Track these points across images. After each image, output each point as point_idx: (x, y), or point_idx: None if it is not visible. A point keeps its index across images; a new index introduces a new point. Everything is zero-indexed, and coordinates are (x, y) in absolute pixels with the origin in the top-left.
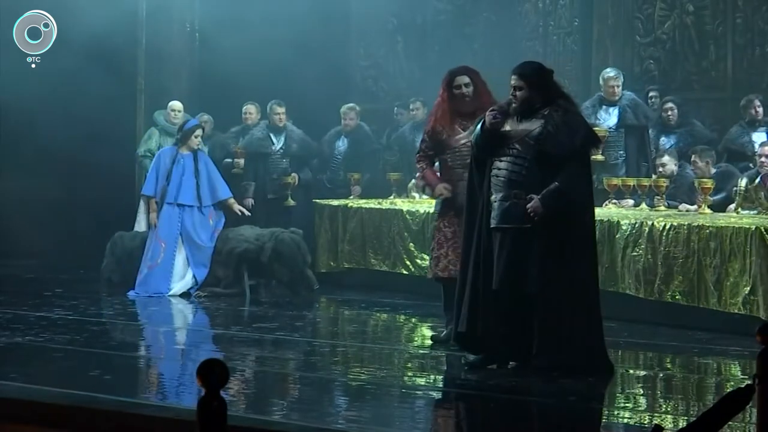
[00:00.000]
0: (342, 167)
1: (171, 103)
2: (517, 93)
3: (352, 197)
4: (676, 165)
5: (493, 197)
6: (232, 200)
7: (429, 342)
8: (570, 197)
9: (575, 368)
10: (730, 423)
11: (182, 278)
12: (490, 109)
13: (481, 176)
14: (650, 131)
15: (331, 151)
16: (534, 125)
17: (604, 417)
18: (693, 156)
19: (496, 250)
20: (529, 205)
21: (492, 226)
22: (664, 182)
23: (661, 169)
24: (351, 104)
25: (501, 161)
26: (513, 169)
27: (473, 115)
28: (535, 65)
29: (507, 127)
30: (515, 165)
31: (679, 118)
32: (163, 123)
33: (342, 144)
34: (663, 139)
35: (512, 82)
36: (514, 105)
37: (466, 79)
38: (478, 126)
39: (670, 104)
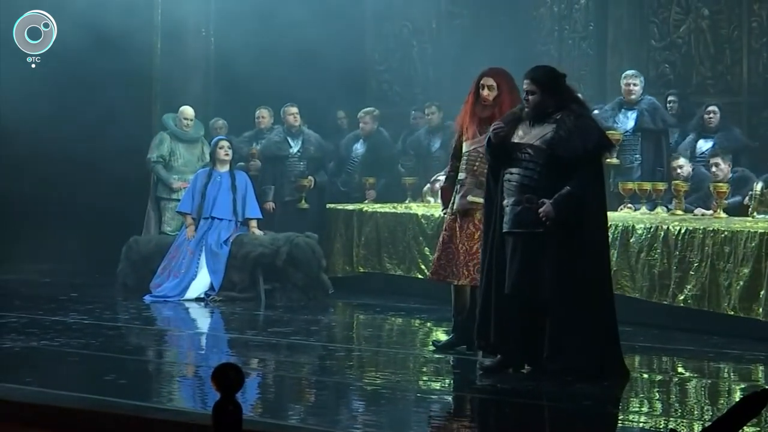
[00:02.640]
0: (358, 171)
1: (182, 109)
2: (530, 97)
3: (367, 201)
4: (691, 167)
5: (505, 202)
6: (254, 223)
7: (440, 346)
8: (582, 201)
9: (589, 372)
10: (745, 427)
11: (201, 283)
12: (494, 123)
13: (496, 182)
14: (690, 135)
15: (348, 155)
16: (546, 129)
17: (619, 421)
18: (717, 158)
19: (508, 254)
20: (541, 210)
21: (504, 230)
22: (683, 186)
23: (679, 170)
24: (368, 108)
25: (513, 166)
26: (525, 174)
27: (489, 121)
28: (547, 69)
29: (519, 132)
30: (527, 170)
31: (720, 122)
32: (172, 127)
33: (360, 148)
34: (701, 142)
35: (524, 86)
36: (526, 109)
37: (490, 81)
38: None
39: (713, 107)
